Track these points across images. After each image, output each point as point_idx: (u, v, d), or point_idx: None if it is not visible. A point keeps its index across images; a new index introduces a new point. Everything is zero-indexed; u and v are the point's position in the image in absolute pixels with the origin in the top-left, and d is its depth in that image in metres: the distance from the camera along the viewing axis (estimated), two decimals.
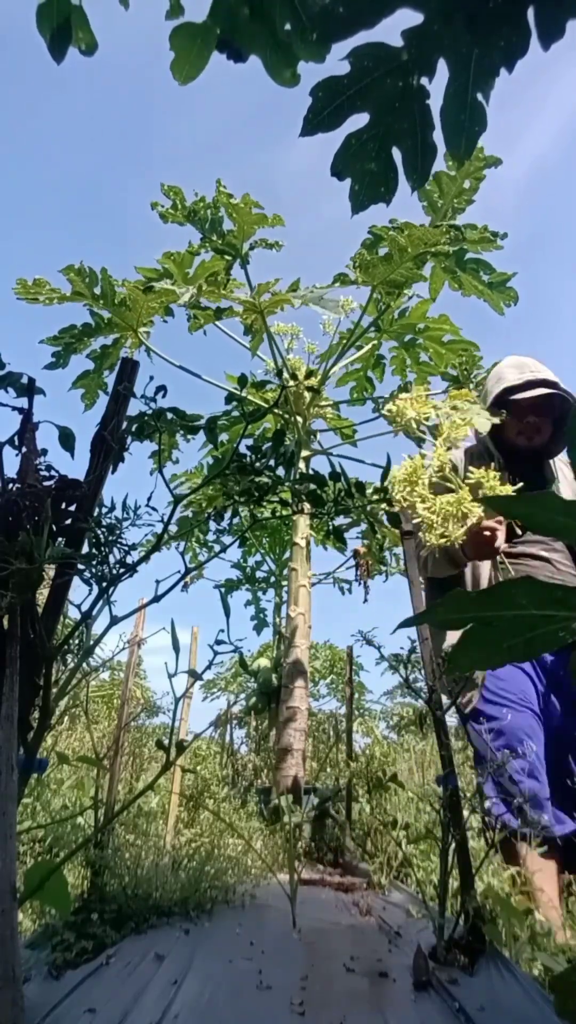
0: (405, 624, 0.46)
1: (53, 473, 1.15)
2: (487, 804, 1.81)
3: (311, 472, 1.57)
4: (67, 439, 1.22)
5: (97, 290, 4.08)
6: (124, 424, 1.31)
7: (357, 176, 0.91)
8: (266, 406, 3.33)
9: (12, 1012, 0.71)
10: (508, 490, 1.51)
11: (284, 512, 1.33)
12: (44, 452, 1.17)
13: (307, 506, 1.53)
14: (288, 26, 1.04)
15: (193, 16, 1.15)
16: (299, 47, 1.06)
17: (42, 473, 1.13)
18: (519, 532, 1.91)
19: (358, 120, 0.88)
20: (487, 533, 1.62)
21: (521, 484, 1.56)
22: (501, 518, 1.62)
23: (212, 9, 1.10)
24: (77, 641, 1.27)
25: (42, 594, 1.11)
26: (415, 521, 1.66)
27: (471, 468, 1.57)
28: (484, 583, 2.08)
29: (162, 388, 1.25)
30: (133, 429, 1.28)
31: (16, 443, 1.13)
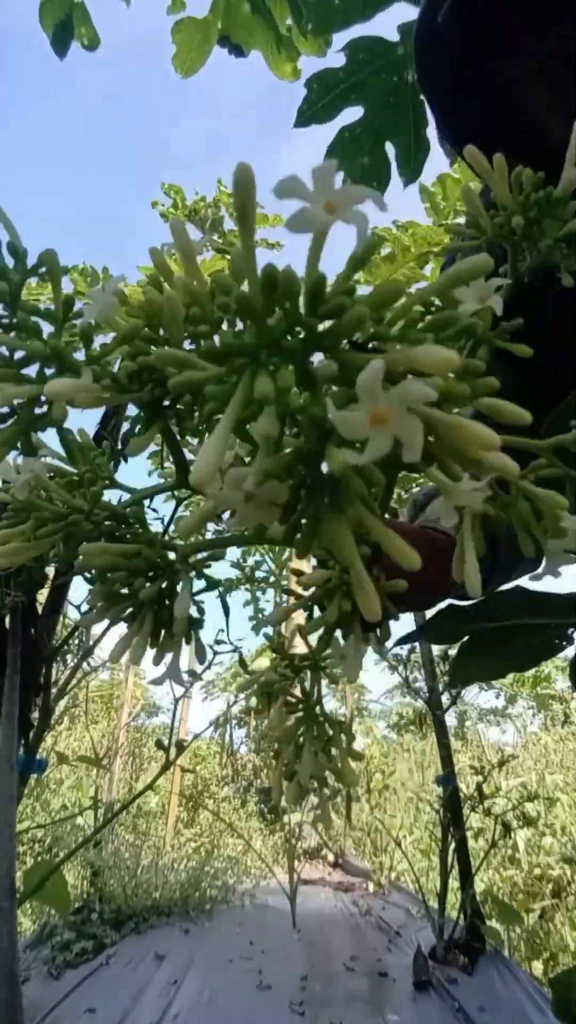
0: (402, 641, 0.45)
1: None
2: None
3: None
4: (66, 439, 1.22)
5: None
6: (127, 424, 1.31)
7: (350, 170, 0.91)
8: None
9: (10, 1012, 0.71)
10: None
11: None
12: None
13: None
14: (289, 20, 1.04)
15: (195, 11, 1.15)
16: (300, 42, 1.06)
17: None
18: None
19: (352, 114, 0.88)
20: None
21: None
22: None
23: (213, 3, 1.10)
24: (77, 641, 1.27)
25: (42, 594, 1.11)
26: None
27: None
28: None
29: None
30: (136, 430, 1.27)
31: None
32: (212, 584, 0.26)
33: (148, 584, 0.21)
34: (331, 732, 0.28)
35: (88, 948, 1.82)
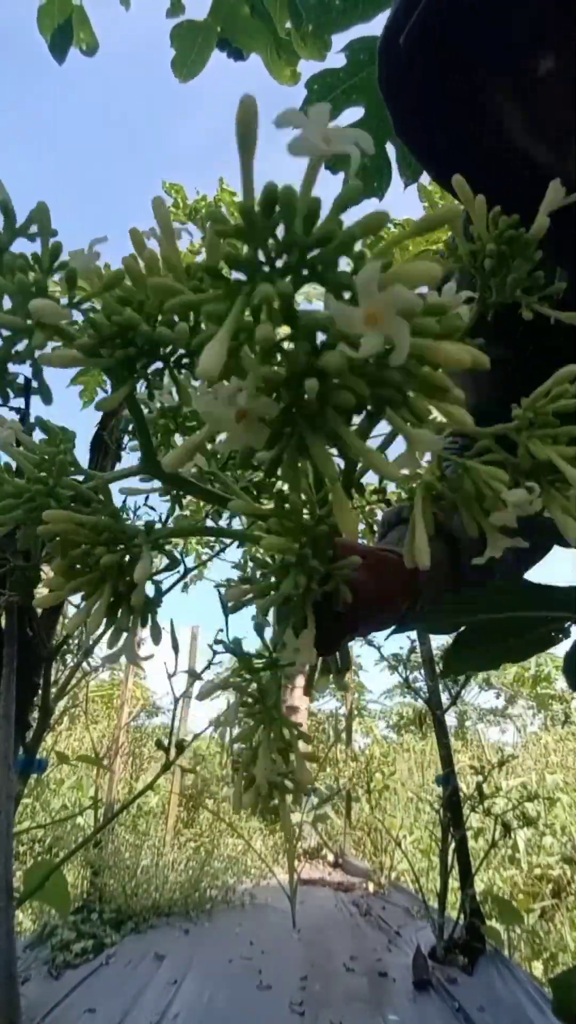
0: (400, 630, 0.45)
1: None
2: None
3: None
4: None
5: None
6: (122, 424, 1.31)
7: (351, 170, 0.91)
8: None
9: (8, 1012, 0.71)
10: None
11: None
12: None
13: None
14: (288, 24, 1.04)
15: (194, 14, 1.15)
16: (299, 45, 1.06)
17: None
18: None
19: (353, 114, 0.88)
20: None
21: None
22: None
23: (212, 7, 1.10)
24: (76, 641, 1.27)
25: (41, 594, 1.11)
26: None
27: None
28: None
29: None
30: (130, 428, 1.28)
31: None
32: (174, 562, 0.26)
33: (109, 555, 0.21)
34: (287, 735, 0.28)
35: (88, 948, 1.82)
